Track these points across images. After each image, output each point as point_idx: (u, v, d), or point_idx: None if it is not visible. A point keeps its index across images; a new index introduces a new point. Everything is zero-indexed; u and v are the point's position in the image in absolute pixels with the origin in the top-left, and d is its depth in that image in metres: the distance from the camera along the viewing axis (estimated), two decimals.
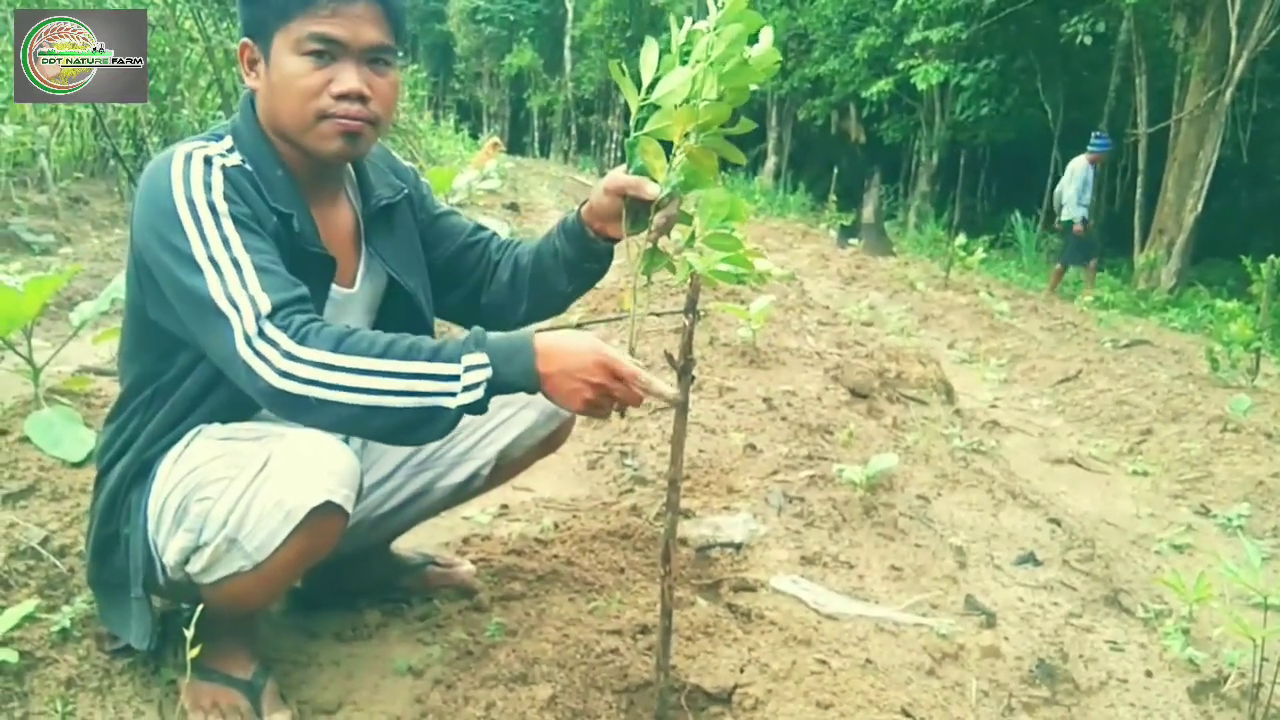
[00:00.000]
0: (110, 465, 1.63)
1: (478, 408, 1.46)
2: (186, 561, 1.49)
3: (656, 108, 1.44)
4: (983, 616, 2.23)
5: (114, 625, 1.70)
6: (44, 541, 1.91)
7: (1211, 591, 2.38)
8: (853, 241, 12.69)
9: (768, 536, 2.48)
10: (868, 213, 13.32)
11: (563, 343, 1.48)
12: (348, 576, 2.07)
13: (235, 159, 1.55)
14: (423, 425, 1.45)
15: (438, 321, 1.89)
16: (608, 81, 32.57)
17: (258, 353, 1.41)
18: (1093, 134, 11.16)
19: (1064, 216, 10.63)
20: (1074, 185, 10.47)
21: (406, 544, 2.20)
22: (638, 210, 1.55)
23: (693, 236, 1.48)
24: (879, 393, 3.95)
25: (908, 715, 1.69)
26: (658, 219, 1.49)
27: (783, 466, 2.90)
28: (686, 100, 1.41)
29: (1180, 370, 5.93)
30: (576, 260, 1.75)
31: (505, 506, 2.72)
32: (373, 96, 1.55)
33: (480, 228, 1.93)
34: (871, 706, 1.67)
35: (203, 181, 1.48)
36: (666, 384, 1.48)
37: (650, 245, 1.50)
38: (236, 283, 1.43)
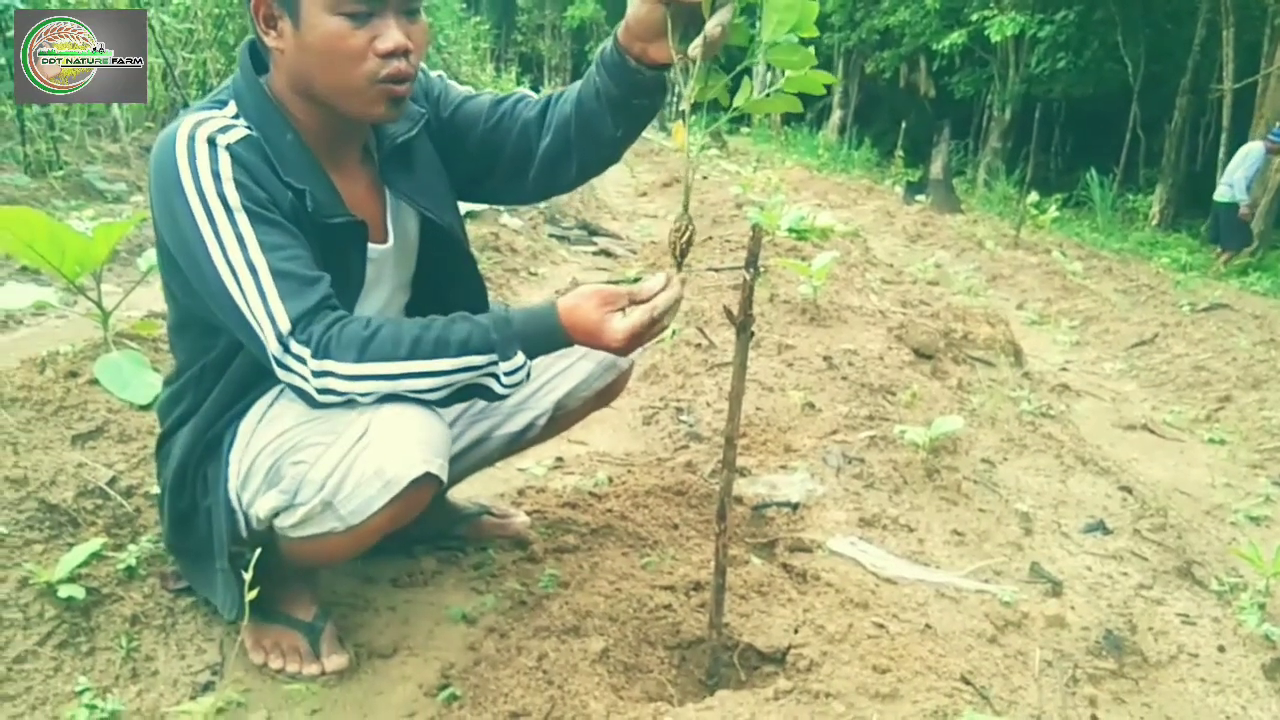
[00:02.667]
0: (171, 434, 1.65)
1: (524, 383, 1.54)
2: (276, 516, 1.51)
3: None
4: (1048, 585, 2.17)
5: (202, 589, 1.73)
6: (111, 481, 1.95)
7: None
8: (919, 198, 12.38)
9: (825, 497, 2.44)
10: (936, 169, 12.97)
11: (577, 314, 1.50)
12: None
13: (240, 130, 1.47)
14: (471, 397, 1.55)
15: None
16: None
17: (290, 369, 1.43)
18: (1278, 123, 10.88)
19: (1220, 197, 10.44)
20: (1244, 169, 10.29)
21: (462, 494, 2.21)
22: (686, 19, 1.35)
23: (752, 48, 1.30)
24: (944, 353, 3.85)
25: (967, 683, 1.65)
26: (710, 25, 1.29)
27: (842, 426, 2.85)
28: None
29: (1261, 336, 5.71)
30: (622, 98, 1.55)
31: (560, 459, 2.72)
32: (413, 48, 1.46)
33: (501, 99, 1.77)
34: (930, 673, 1.63)
35: (210, 171, 1.41)
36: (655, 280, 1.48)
37: (703, 60, 1.31)
38: (255, 296, 1.41)
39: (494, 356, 1.46)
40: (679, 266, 1.47)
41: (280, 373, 1.44)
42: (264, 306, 1.41)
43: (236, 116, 1.49)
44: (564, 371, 1.91)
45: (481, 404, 1.91)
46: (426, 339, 1.44)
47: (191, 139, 1.42)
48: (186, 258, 1.45)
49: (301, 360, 1.42)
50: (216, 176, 1.41)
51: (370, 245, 1.64)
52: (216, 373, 1.59)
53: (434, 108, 1.75)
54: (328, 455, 1.46)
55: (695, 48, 1.32)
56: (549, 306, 1.51)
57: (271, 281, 1.41)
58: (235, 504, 1.56)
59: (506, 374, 1.48)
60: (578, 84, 1.65)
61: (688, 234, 1.43)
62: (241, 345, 1.51)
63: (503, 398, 1.53)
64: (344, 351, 1.41)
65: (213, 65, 8.00)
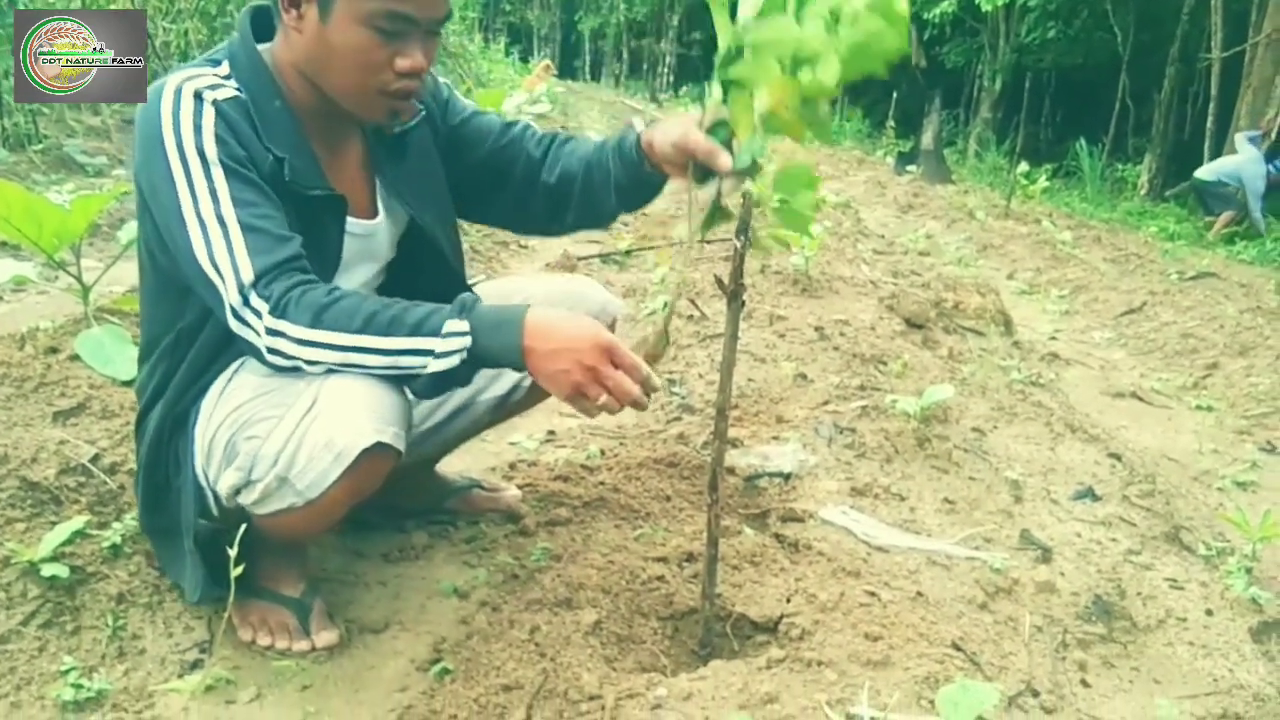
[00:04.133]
0: (146, 410, 1.63)
1: (452, 376, 1.44)
2: (238, 494, 1.50)
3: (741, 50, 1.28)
4: (1038, 551, 2.17)
5: (172, 572, 1.71)
6: (94, 459, 1.92)
7: (1276, 530, 2.30)
8: (910, 169, 12.34)
9: (817, 467, 2.43)
10: (926, 139, 12.90)
11: (560, 321, 1.44)
12: (395, 497, 2.07)
13: (229, 90, 1.46)
14: (402, 381, 1.47)
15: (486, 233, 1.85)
16: (660, 3, 31.89)
17: (244, 322, 1.40)
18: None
19: (1203, 175, 10.48)
20: (1233, 159, 10.30)
21: (453, 467, 2.20)
22: (706, 169, 1.45)
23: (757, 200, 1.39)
24: (935, 323, 3.84)
25: (959, 649, 1.65)
26: (726, 185, 1.40)
27: (834, 397, 2.84)
28: (792, 63, 1.23)
29: (1248, 304, 5.71)
30: (629, 187, 1.67)
31: (552, 433, 2.71)
32: (427, 68, 1.50)
33: (511, 124, 1.81)
34: (921, 639, 1.63)
35: (193, 123, 1.40)
36: (659, 380, 1.44)
37: (712, 210, 1.41)
38: (222, 247, 1.39)
39: (437, 341, 1.41)
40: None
41: (234, 324, 1.41)
42: (229, 258, 1.39)
43: (228, 77, 1.48)
44: None
45: None
46: (383, 316, 1.41)
47: (178, 91, 1.42)
48: (159, 209, 1.43)
49: (258, 314, 1.39)
50: (198, 130, 1.40)
51: (354, 220, 1.62)
52: (188, 341, 1.56)
53: (441, 112, 1.77)
54: (279, 429, 1.44)
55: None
56: (517, 311, 1.46)
57: (240, 235, 1.40)
58: (203, 481, 1.55)
59: (439, 355, 1.41)
60: (585, 144, 1.74)
61: (661, 351, 1.54)
62: (210, 312, 1.49)
63: (430, 381, 1.45)
64: (300, 314, 1.39)
65: (194, 35, 7.89)
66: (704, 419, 2.71)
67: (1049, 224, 8.67)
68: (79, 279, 2.52)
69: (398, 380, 1.46)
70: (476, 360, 1.43)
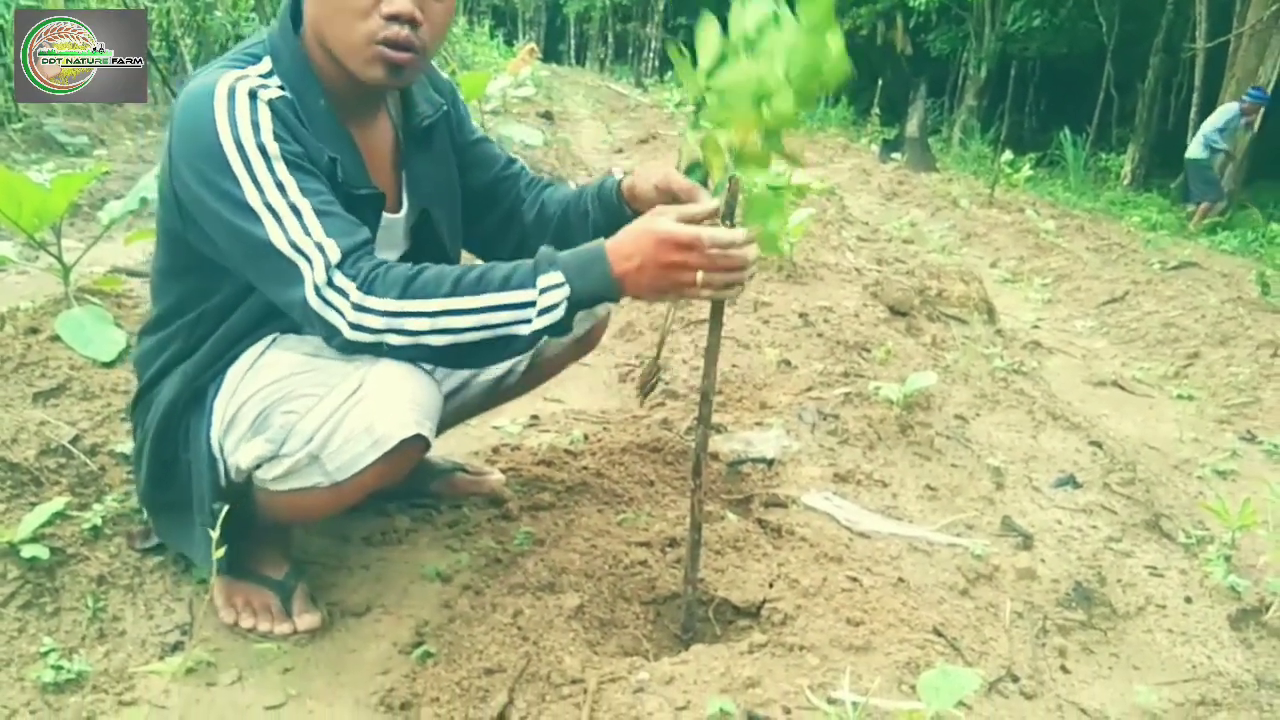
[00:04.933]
0: (154, 383, 1.61)
1: (560, 328, 1.43)
2: (258, 467, 1.49)
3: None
4: (1019, 538, 2.19)
5: (179, 545, 1.71)
6: (75, 440, 1.91)
7: (1255, 518, 2.33)
8: (895, 156, 12.36)
9: (800, 453, 2.44)
10: (911, 127, 12.92)
11: (626, 236, 1.42)
12: None
13: (275, 88, 1.46)
14: (498, 351, 1.46)
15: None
16: None
17: (328, 302, 1.39)
18: (1250, 88, 11.05)
19: (1193, 154, 10.63)
20: (1216, 123, 10.49)
21: (437, 451, 2.18)
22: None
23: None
24: (919, 311, 3.86)
25: (940, 634, 1.66)
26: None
27: (817, 383, 2.84)
28: (754, 99, 1.33)
29: (1229, 294, 5.76)
30: (606, 227, 1.65)
31: (535, 417, 2.70)
32: (424, 21, 1.46)
33: (512, 160, 1.88)
34: (903, 625, 1.64)
35: (250, 121, 1.40)
36: (731, 230, 1.40)
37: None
38: (299, 230, 1.38)
39: (534, 293, 1.40)
40: (641, 403, 1.55)
41: (316, 303, 1.39)
42: (310, 240, 1.38)
43: (269, 74, 1.48)
44: None
45: None
46: (469, 276, 1.41)
47: (232, 91, 1.41)
48: (217, 199, 1.40)
49: (343, 293, 1.39)
50: (256, 127, 1.40)
51: (384, 214, 1.64)
52: (214, 320, 1.56)
53: (457, 122, 1.80)
54: (320, 407, 1.44)
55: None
56: (599, 244, 1.45)
57: (316, 219, 1.40)
58: (216, 452, 1.54)
59: (541, 310, 1.41)
60: (565, 189, 1.79)
61: (655, 379, 1.60)
62: (245, 295, 1.51)
63: (532, 340, 1.44)
64: (388, 288, 1.39)
65: (176, 15, 7.81)
66: (688, 404, 2.71)
67: (1032, 213, 8.71)
68: (59, 259, 2.49)
69: (495, 342, 1.43)
70: (575, 306, 1.42)
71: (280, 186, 1.39)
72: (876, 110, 15.69)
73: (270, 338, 1.55)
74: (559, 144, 8.55)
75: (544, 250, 1.45)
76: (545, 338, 1.46)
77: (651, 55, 31.71)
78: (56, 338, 2.24)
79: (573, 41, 40.61)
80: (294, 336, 1.56)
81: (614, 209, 1.68)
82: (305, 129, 1.47)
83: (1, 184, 2.23)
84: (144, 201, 2.63)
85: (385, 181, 1.64)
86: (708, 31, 1.37)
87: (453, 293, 1.39)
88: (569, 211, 1.77)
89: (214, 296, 1.55)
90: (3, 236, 3.12)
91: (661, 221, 1.40)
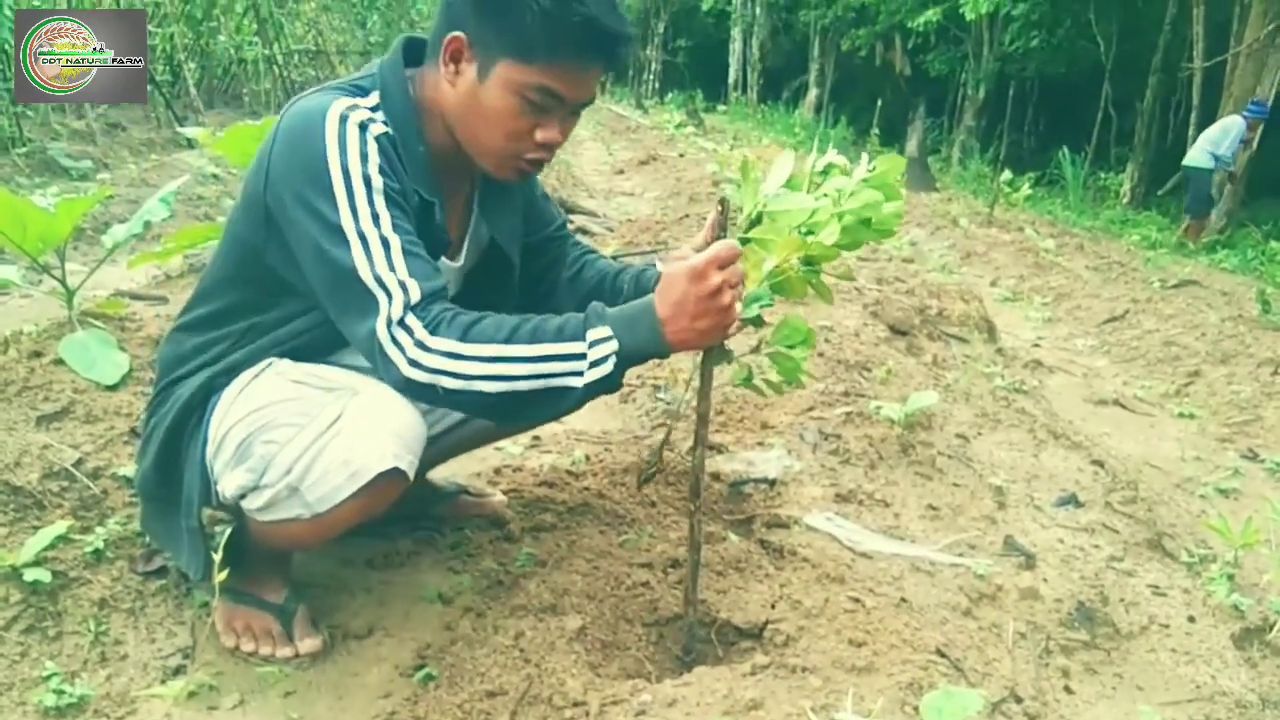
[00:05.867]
0: (184, 378, 1.61)
1: (609, 383, 1.45)
2: (243, 497, 1.50)
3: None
4: (1022, 558, 2.18)
5: (167, 545, 1.71)
6: (78, 463, 1.91)
7: (1258, 537, 2.33)
8: None
9: (802, 473, 2.44)
10: (911, 147, 12.98)
11: (663, 287, 1.44)
12: None
13: (380, 124, 1.50)
14: (551, 404, 1.46)
15: None
16: (646, 10, 31.93)
17: (395, 340, 1.41)
18: (1250, 103, 11.06)
19: (1192, 162, 10.66)
20: (1228, 142, 10.48)
21: (439, 473, 2.19)
22: None
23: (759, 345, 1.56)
24: (919, 330, 3.86)
25: (943, 655, 1.66)
26: (732, 328, 1.47)
27: (819, 403, 2.85)
28: (801, 229, 1.43)
29: (1230, 312, 5.77)
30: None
31: (537, 438, 2.70)
32: (562, 142, 1.56)
33: (566, 223, 1.94)
34: (905, 646, 1.64)
35: (359, 151, 1.44)
36: (726, 241, 1.43)
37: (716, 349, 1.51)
38: (384, 264, 1.41)
39: (584, 346, 1.42)
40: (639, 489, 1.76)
41: (384, 337, 1.41)
42: (395, 276, 1.41)
43: (376, 109, 1.52)
44: None
45: None
46: (525, 326, 1.43)
47: (344, 119, 1.45)
48: (312, 219, 1.43)
49: (410, 331, 1.41)
50: (364, 158, 1.44)
51: (443, 261, 1.68)
52: (259, 334, 1.58)
53: (531, 182, 1.84)
54: (299, 438, 1.45)
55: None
56: (647, 299, 1.48)
57: (402, 257, 1.42)
58: (210, 470, 1.54)
59: (593, 364, 1.42)
60: (610, 264, 1.85)
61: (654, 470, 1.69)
62: (297, 315, 1.54)
63: (584, 395, 1.45)
64: (451, 331, 1.41)
65: (180, 39, 7.87)
66: (689, 425, 2.70)
67: (1032, 232, 8.74)
68: (63, 282, 2.50)
69: (549, 393, 1.44)
70: (625, 360, 1.44)
71: (375, 218, 1.42)
72: (875, 130, 15.75)
73: (267, 362, 1.56)
74: (560, 165, 8.59)
75: (594, 305, 1.47)
76: (597, 393, 1.46)
77: (652, 77, 31.92)
78: (60, 361, 2.25)
79: None
80: (288, 362, 1.57)
81: (648, 293, 1.65)
82: (402, 165, 1.50)
83: (6, 208, 2.25)
84: (147, 225, 2.65)
85: (453, 232, 1.68)
86: (782, 159, 1.49)
87: (509, 340, 1.41)
88: (604, 283, 1.82)
89: (271, 311, 1.57)
90: (6, 260, 3.13)
91: (681, 264, 1.43)
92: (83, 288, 2.61)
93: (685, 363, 3.22)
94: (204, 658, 1.63)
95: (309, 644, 1.68)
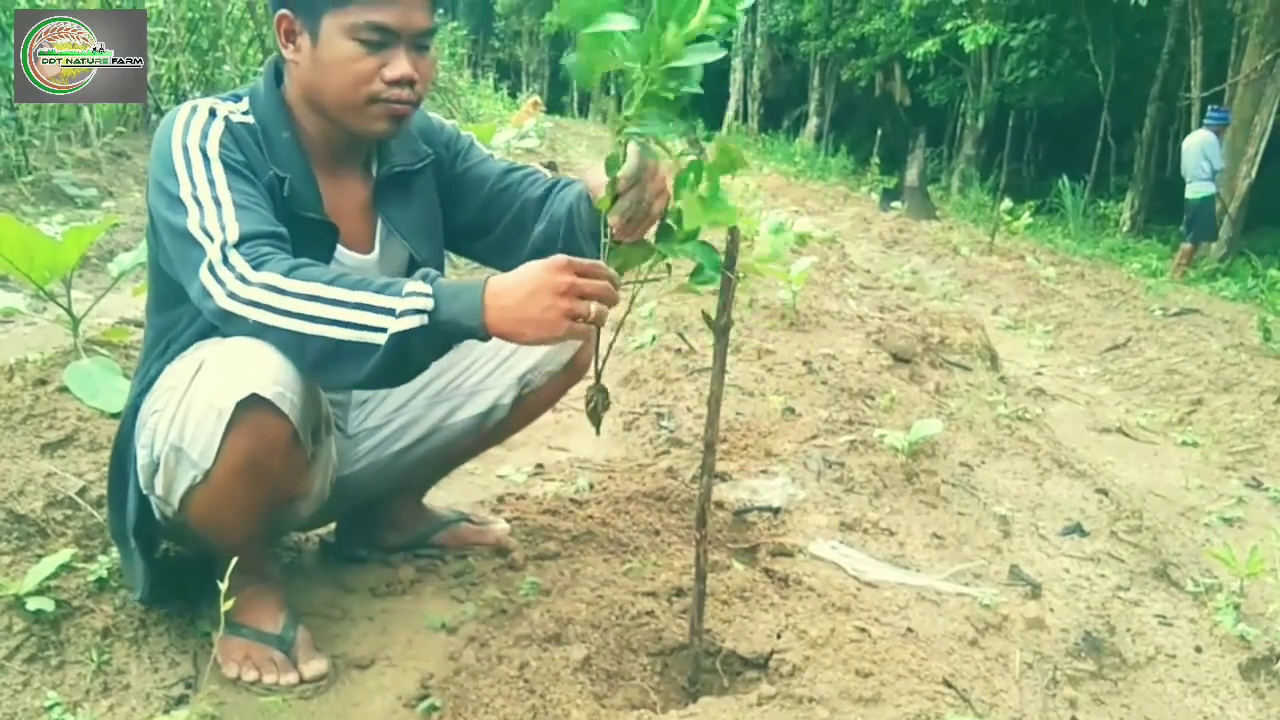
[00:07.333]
0: (128, 408, 1.65)
1: (414, 354, 1.41)
2: (154, 487, 1.52)
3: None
4: (1027, 587, 2.17)
5: (126, 575, 1.73)
6: (81, 491, 1.91)
7: (1264, 566, 2.32)
8: (895, 205, 12.46)
9: (806, 501, 2.43)
10: (911, 176, 13.06)
11: (514, 274, 1.43)
12: (382, 531, 2.07)
13: (243, 115, 1.59)
14: (356, 358, 1.41)
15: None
16: None
17: (216, 277, 1.43)
18: (1210, 108, 11.02)
19: (1194, 194, 10.47)
20: (1211, 160, 10.31)
21: (441, 501, 2.19)
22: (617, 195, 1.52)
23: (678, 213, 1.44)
24: (921, 358, 3.87)
25: (949, 685, 1.65)
26: (620, 204, 1.49)
27: (822, 431, 2.85)
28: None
29: (1232, 340, 5.78)
30: (595, 233, 1.65)
31: (540, 466, 2.70)
32: (418, 79, 1.58)
33: (512, 169, 1.87)
34: (912, 676, 1.63)
35: (201, 130, 1.53)
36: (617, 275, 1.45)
37: (613, 240, 1.49)
38: (214, 216, 1.46)
39: (399, 301, 1.40)
40: (597, 431, 1.60)
41: (204, 275, 1.43)
42: (219, 223, 1.45)
43: (246, 111, 1.61)
44: (523, 347, 1.84)
45: (439, 385, 1.90)
46: (353, 277, 1.44)
47: (194, 109, 1.56)
48: (160, 198, 1.51)
49: (232, 268, 1.42)
50: (204, 135, 1.53)
51: (346, 251, 1.70)
52: (176, 343, 1.59)
53: (450, 159, 1.85)
54: (171, 399, 1.47)
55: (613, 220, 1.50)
56: (478, 281, 1.46)
57: (232, 209, 1.47)
58: (141, 485, 1.58)
59: (401, 314, 1.39)
60: (575, 187, 1.75)
61: (594, 403, 1.55)
62: (196, 317, 1.53)
63: (389, 356, 1.40)
64: (275, 266, 1.42)
65: (185, 70, 7.94)
66: (693, 452, 2.71)
67: (1032, 260, 8.76)
68: (69, 310, 2.51)
69: (358, 347, 1.40)
70: (437, 327, 1.41)
71: (211, 182, 1.48)
72: (876, 159, 15.87)
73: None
74: (552, 150, 8.60)
75: (426, 269, 1.48)
76: (408, 358, 1.43)
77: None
78: (65, 389, 2.25)
79: (575, 94, 41.14)
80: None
81: (590, 214, 1.68)
82: (262, 151, 1.57)
83: (14, 237, 2.26)
84: None
85: (349, 222, 1.69)
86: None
87: (331, 283, 1.41)
88: (570, 220, 1.73)
89: (181, 321, 1.59)
90: (12, 288, 3.15)
91: (556, 256, 1.43)
92: (88, 315, 2.62)
93: (688, 389, 3.23)
94: (207, 687, 1.62)
95: (314, 666, 1.66)
